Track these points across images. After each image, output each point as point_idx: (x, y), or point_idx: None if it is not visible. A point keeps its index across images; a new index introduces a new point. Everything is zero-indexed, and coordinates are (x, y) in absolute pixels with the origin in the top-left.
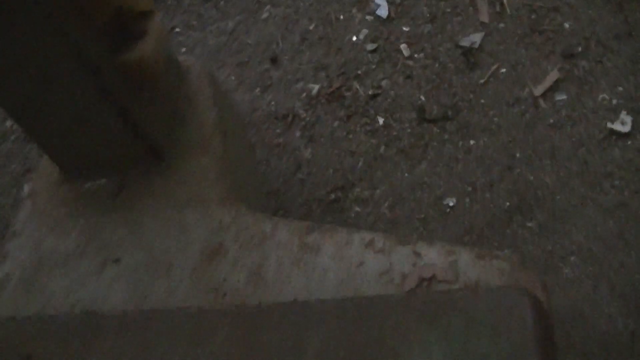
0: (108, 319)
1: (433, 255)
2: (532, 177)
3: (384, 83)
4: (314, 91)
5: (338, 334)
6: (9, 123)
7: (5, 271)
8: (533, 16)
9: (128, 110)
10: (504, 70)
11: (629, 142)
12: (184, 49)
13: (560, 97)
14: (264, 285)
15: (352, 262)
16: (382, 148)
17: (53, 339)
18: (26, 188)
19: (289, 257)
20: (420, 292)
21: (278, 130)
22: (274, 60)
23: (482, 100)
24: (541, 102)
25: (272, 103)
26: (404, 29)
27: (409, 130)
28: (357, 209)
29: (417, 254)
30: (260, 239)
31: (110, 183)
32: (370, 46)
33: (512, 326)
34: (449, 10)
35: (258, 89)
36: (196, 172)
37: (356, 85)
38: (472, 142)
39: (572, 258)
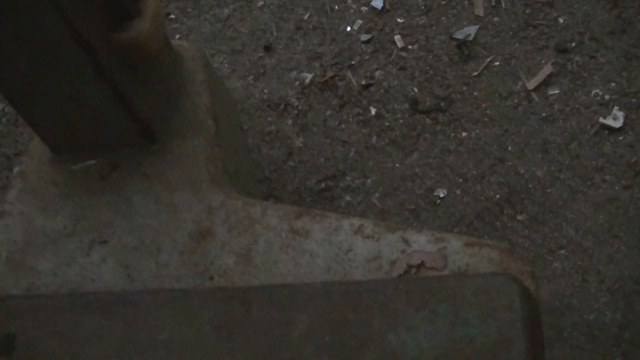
0: (94, 298)
1: (422, 243)
2: (523, 170)
3: (377, 73)
4: (307, 80)
5: (325, 315)
6: (0, 105)
7: None
8: (528, 10)
9: (122, 90)
10: (497, 63)
11: (621, 138)
12: (178, 36)
13: (553, 91)
14: (252, 268)
15: (340, 248)
16: (374, 138)
17: (38, 318)
18: (15, 171)
19: (277, 242)
20: (408, 277)
21: (270, 119)
22: (267, 49)
23: (475, 93)
24: (534, 95)
25: (265, 91)
26: (399, 20)
27: (401, 121)
28: (348, 198)
29: (406, 241)
30: (249, 222)
31: (101, 164)
32: (364, 37)
33: (499, 311)
34: (444, 2)
35: (251, 77)
36: (188, 154)
37: (349, 75)
38: (464, 134)
39: (562, 251)
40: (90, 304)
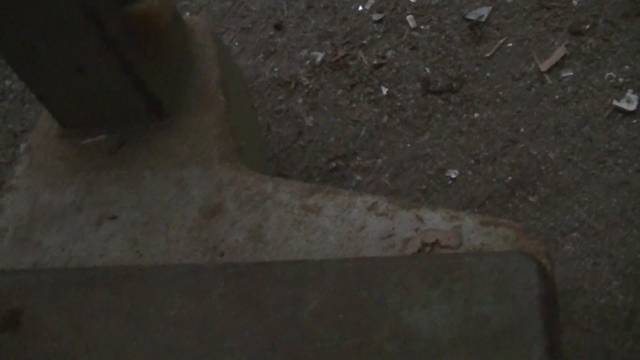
0: (102, 273)
1: (436, 221)
2: (535, 152)
3: (389, 53)
4: (318, 59)
5: (338, 291)
6: (7, 82)
7: (1, 225)
8: None
9: (132, 64)
10: (510, 44)
11: (634, 121)
12: (187, 13)
13: (567, 73)
14: (263, 245)
15: (353, 225)
16: (385, 118)
17: (45, 292)
18: (23, 147)
19: (289, 218)
20: (422, 255)
21: (280, 97)
22: (278, 27)
23: (488, 74)
24: (547, 77)
25: (275, 70)
26: (411, 0)
27: (412, 101)
28: (358, 177)
29: (420, 219)
30: (261, 199)
31: (110, 139)
32: (376, 16)
33: (516, 289)
34: None
35: (261, 55)
36: (198, 130)
37: (361, 54)
38: (476, 114)
39: (574, 234)
40: (98, 279)
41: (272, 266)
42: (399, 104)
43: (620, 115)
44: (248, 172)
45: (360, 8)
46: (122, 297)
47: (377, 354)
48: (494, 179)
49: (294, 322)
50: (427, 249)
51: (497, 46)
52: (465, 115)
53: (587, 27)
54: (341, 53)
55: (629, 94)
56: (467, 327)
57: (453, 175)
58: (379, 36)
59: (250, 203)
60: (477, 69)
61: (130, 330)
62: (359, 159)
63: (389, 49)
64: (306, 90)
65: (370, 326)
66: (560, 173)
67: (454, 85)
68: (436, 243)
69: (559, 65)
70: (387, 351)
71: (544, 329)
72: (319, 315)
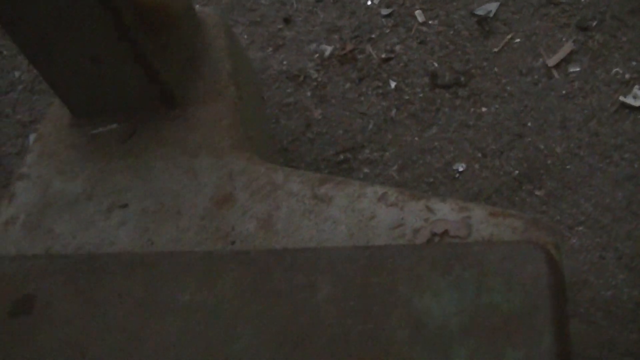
0: (115, 259)
1: (446, 211)
2: (542, 146)
3: (397, 47)
4: (327, 53)
5: (349, 279)
6: (17, 73)
7: (11, 213)
8: None
9: (143, 52)
10: (518, 40)
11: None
12: (197, 6)
13: (574, 68)
14: (274, 234)
15: (363, 215)
16: (393, 111)
17: (57, 278)
18: (32, 138)
19: (299, 208)
20: (433, 244)
21: (289, 90)
22: (287, 21)
23: (495, 69)
24: (554, 72)
25: (284, 63)
26: None
27: (420, 95)
28: (366, 170)
29: (430, 210)
30: (272, 188)
31: (121, 128)
32: (384, 11)
33: (525, 278)
34: None
35: (270, 49)
36: (209, 119)
37: (369, 48)
38: (483, 109)
39: (580, 228)
40: (110, 264)
41: (283, 253)
42: (406, 97)
43: (626, 110)
44: (259, 162)
45: (369, 2)
46: (135, 283)
47: (388, 341)
48: (501, 173)
49: (305, 308)
50: (437, 238)
51: (504, 41)
52: (472, 109)
53: (595, 23)
54: (349, 47)
55: (636, 89)
56: (477, 315)
57: (460, 169)
58: (387, 30)
59: (260, 192)
60: (484, 63)
61: (143, 316)
62: (366, 151)
63: (397, 43)
64: (315, 84)
65: (381, 313)
66: (567, 167)
67: (462, 79)
68: (445, 233)
69: (566, 60)
70: (397, 338)
71: (553, 317)
72: (330, 302)
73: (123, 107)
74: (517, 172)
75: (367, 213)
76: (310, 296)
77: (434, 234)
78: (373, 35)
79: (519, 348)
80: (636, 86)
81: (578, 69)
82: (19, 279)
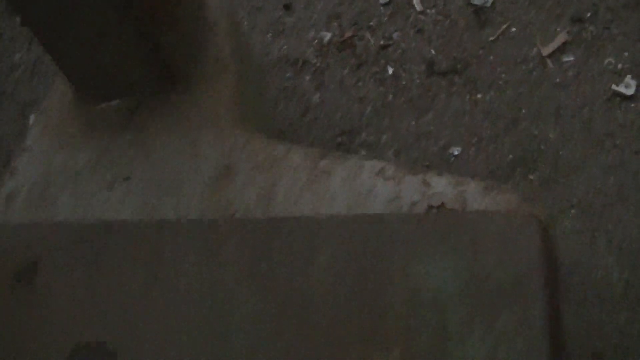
0: (119, 227)
1: (442, 185)
2: (536, 132)
3: (395, 35)
4: (326, 39)
5: (347, 246)
6: (17, 55)
7: (14, 186)
8: None
9: (148, 31)
10: (514, 29)
11: (632, 105)
12: None
13: (568, 58)
14: (274, 206)
15: (362, 189)
16: (390, 96)
17: (61, 245)
18: (32, 119)
19: (299, 181)
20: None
21: (288, 75)
22: (287, 7)
23: (491, 57)
24: (548, 62)
25: (284, 48)
26: None
27: (417, 82)
28: (363, 152)
29: (427, 184)
30: (272, 162)
31: (125, 104)
32: None
33: (519, 246)
34: None
35: (270, 35)
36: (211, 96)
37: (368, 35)
38: (479, 95)
39: (572, 211)
40: (114, 232)
41: (284, 222)
42: (404, 83)
43: (618, 99)
44: (260, 137)
45: None
46: (138, 250)
47: (385, 306)
48: (496, 157)
49: (304, 275)
50: (434, 211)
51: (500, 31)
52: (468, 96)
53: (589, 14)
54: (348, 34)
55: (628, 79)
56: (471, 281)
57: (456, 152)
58: (385, 18)
59: (262, 166)
60: (480, 52)
61: (146, 283)
62: (363, 135)
63: (395, 31)
64: (313, 69)
65: (380, 279)
66: (560, 153)
67: (458, 67)
68: (442, 206)
69: (560, 50)
70: (394, 304)
71: (545, 285)
72: (329, 268)
73: (127, 83)
74: (511, 156)
75: (365, 187)
76: (310, 264)
77: (431, 207)
78: (372, 23)
79: (512, 312)
80: (628, 76)
81: (572, 59)
82: (22, 245)
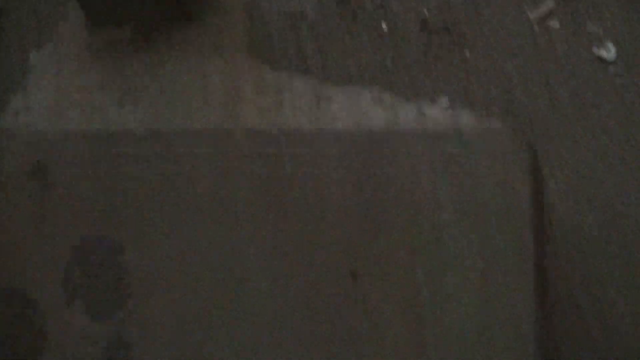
0: (127, 134)
1: (436, 112)
2: (525, 99)
3: None
4: None
5: (352, 157)
6: None
7: (24, 102)
8: None
9: None
10: None
11: (612, 69)
12: None
13: (554, 24)
14: (280, 124)
15: (361, 114)
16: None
17: (70, 151)
18: (32, 57)
19: (302, 105)
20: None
21: (285, 28)
22: None
23: (483, 17)
24: (535, 27)
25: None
26: None
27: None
28: None
29: (422, 113)
30: (277, 88)
31: (136, 31)
32: None
33: (509, 159)
34: None
35: None
36: (221, 27)
37: None
38: (468, 54)
39: (557, 173)
40: (122, 138)
41: (292, 134)
42: (397, 39)
43: (602, 65)
44: (266, 66)
45: None
46: (150, 152)
47: (385, 224)
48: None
49: (310, 182)
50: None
51: None
52: (459, 55)
53: None
54: None
55: (609, 45)
56: (466, 191)
57: (444, 105)
58: None
59: (266, 91)
60: (472, 15)
61: (158, 186)
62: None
63: None
64: (310, 22)
65: (379, 197)
66: (548, 117)
67: (450, 27)
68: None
69: (547, 16)
70: (395, 221)
71: (532, 192)
72: (335, 185)
73: (139, 13)
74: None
75: (363, 112)
76: (316, 169)
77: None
78: None
79: (504, 233)
80: (609, 43)
81: (557, 26)
82: (31, 150)
